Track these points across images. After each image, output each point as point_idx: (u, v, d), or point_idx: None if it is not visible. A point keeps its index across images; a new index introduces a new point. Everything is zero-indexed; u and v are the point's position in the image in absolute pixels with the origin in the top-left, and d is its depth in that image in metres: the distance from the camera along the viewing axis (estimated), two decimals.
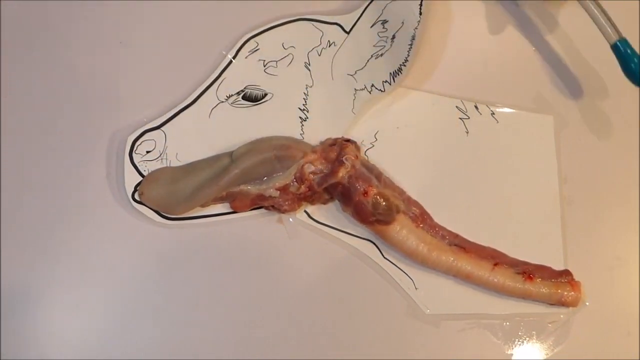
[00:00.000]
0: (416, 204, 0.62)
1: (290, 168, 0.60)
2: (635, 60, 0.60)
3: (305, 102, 0.64)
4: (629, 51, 0.60)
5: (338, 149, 0.60)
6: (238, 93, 0.63)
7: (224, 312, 0.60)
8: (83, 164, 0.62)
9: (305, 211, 0.62)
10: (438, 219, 0.62)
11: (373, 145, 0.64)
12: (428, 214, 0.62)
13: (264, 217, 0.62)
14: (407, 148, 0.64)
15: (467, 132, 0.65)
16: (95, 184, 0.61)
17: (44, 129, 0.62)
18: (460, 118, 0.65)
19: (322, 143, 0.62)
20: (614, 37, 0.61)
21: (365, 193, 0.59)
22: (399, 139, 0.64)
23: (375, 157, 0.64)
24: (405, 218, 0.61)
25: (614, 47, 0.61)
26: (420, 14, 0.61)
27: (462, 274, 0.61)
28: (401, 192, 0.62)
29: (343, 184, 0.59)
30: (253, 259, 0.61)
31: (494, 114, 0.66)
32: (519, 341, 0.62)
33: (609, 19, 0.61)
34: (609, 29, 0.61)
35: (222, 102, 0.63)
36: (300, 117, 0.63)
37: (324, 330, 0.61)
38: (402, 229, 0.60)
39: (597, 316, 0.62)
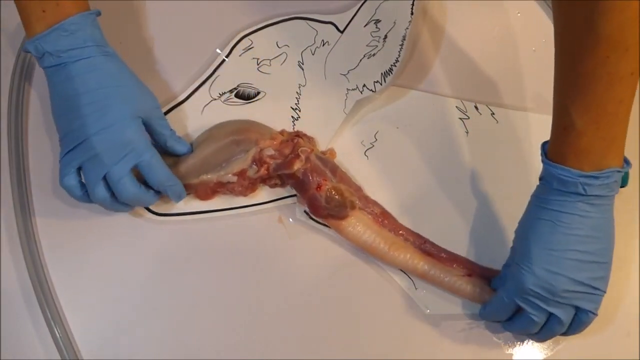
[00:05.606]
0: (375, 203, 0.62)
1: (249, 151, 0.59)
2: None
3: (298, 101, 0.64)
4: None
5: (291, 145, 0.60)
6: (231, 91, 0.63)
7: (223, 311, 0.60)
8: None
9: (305, 211, 0.62)
10: (437, 217, 0.63)
11: (373, 146, 0.64)
12: (389, 214, 0.62)
13: (264, 217, 0.62)
14: (407, 148, 0.64)
15: (467, 132, 0.65)
16: None
17: (43, 128, 0.62)
18: (460, 118, 0.65)
19: (282, 133, 0.62)
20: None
21: (319, 187, 0.59)
22: (399, 139, 0.64)
23: (375, 157, 0.64)
24: (363, 214, 0.61)
25: None
26: (412, 14, 0.61)
27: (418, 273, 0.60)
28: (358, 189, 0.62)
29: (298, 176, 0.59)
30: (253, 258, 0.61)
31: (494, 114, 0.66)
32: (519, 341, 0.61)
33: None
34: None
35: (215, 99, 0.63)
36: (292, 117, 0.64)
37: (323, 329, 0.61)
38: (358, 224, 0.60)
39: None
